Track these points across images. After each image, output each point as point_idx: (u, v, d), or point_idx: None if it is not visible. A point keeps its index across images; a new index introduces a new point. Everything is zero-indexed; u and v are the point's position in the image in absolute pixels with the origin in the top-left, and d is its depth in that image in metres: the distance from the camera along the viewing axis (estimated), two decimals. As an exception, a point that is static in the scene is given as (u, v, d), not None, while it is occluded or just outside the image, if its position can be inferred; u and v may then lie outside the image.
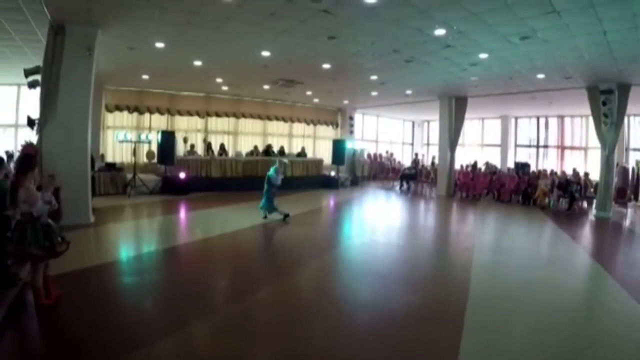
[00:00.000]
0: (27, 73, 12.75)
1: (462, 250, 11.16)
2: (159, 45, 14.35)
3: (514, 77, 17.46)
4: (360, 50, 14.27)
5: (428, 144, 38.09)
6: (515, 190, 21.79)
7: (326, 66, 17.13)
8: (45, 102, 11.98)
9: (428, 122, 38.01)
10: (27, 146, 6.01)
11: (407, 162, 32.87)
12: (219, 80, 21.45)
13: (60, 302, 6.35)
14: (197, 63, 16.85)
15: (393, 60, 15.68)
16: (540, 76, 17.04)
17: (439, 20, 11.14)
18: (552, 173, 22.48)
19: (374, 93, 23.98)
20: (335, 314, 6.59)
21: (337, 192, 24.10)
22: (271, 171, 14.36)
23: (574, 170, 21.20)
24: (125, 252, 10.23)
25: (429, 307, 6.94)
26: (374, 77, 19.28)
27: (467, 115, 23.88)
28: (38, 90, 12.25)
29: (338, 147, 26.70)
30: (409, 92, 23.18)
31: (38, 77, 12.38)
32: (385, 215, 17.59)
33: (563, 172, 22.09)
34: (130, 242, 11.48)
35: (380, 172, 32.44)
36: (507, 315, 6.71)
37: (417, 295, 7.56)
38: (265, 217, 14.28)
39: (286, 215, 14.23)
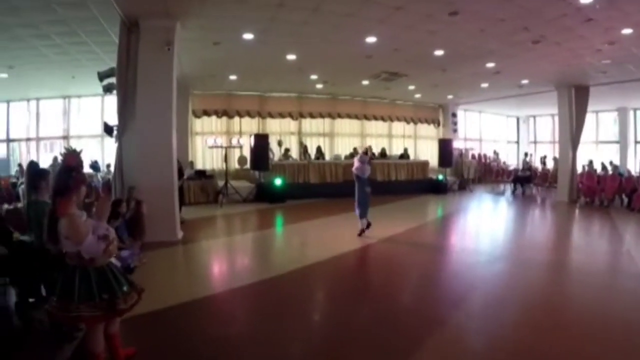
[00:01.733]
0: (102, 76, 11.66)
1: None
2: (247, 36, 12.79)
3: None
4: (484, 29, 12.25)
5: (535, 142, 34.21)
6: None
7: (438, 53, 15.10)
8: (123, 107, 10.84)
9: (534, 117, 34.24)
10: (68, 155, 4.19)
11: (512, 163, 30.71)
12: (313, 77, 19.53)
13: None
14: (291, 57, 15.39)
15: (518, 42, 13.53)
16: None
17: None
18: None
19: (484, 85, 21.41)
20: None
21: (448, 199, 21.41)
22: (355, 164, 11.49)
23: None
24: (218, 284, 8.03)
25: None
26: (490, 65, 16.94)
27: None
28: (114, 94, 11.14)
29: (445, 147, 24.17)
30: (524, 82, 20.48)
31: (113, 80, 11.18)
32: (523, 232, 14.29)
33: None
34: (224, 269, 9.40)
35: (487, 174, 29.41)
36: None
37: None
38: (363, 231, 11.52)
39: (368, 225, 11.49)
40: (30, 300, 5.66)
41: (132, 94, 10.74)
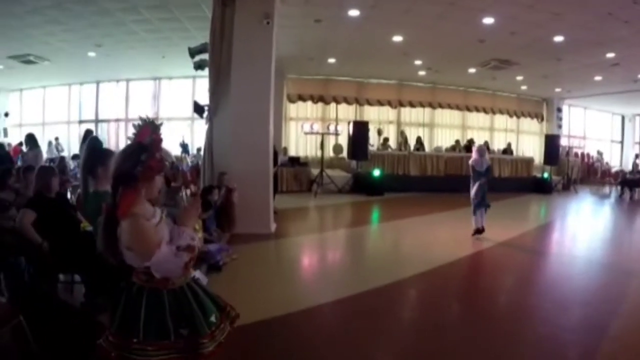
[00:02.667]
0: (193, 52, 10.69)
1: None
2: (353, 13, 11.97)
3: None
4: (613, 12, 11.05)
5: None
6: None
7: (558, 39, 13.83)
8: (216, 85, 9.83)
9: None
10: (142, 127, 2.86)
11: (615, 164, 28.58)
12: (417, 62, 18.20)
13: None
14: (397, 39, 14.34)
15: None
16: None
17: None
18: None
19: (598, 78, 19.69)
20: None
21: (555, 199, 19.42)
22: (473, 155, 10.32)
23: None
24: (317, 292, 6.50)
25: None
26: (609, 55, 15.47)
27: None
28: (206, 71, 10.21)
29: (552, 143, 22.06)
30: None
31: (205, 56, 10.25)
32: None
33: None
34: (323, 273, 7.93)
35: (590, 174, 27.10)
36: None
37: None
38: (479, 231, 10.06)
39: (481, 230, 10.06)
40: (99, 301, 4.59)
41: (226, 71, 9.79)
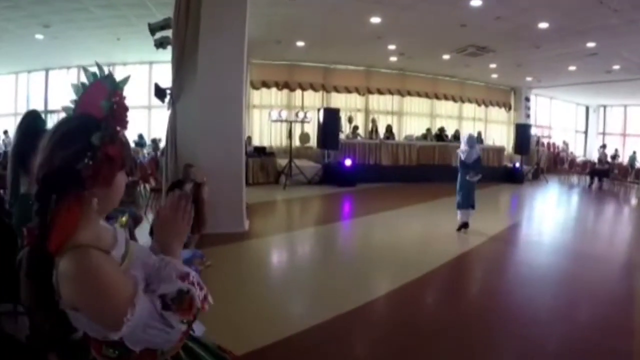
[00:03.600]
0: (153, 29, 9.34)
1: None
2: None
3: None
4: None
5: (604, 134, 31.73)
6: None
7: (543, 25, 13.33)
8: (179, 65, 8.61)
9: (604, 107, 32.02)
10: (94, 86, 1.51)
11: (579, 154, 29.58)
12: (391, 47, 17.28)
13: None
14: (375, 20, 13.38)
15: (633, 20, 11.99)
16: None
17: None
18: None
19: (572, 68, 19.50)
20: None
21: (528, 189, 19.35)
22: (462, 147, 9.73)
23: None
24: (309, 309, 5.59)
25: None
26: (590, 45, 15.21)
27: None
28: (168, 50, 8.97)
29: (523, 132, 22.31)
30: (616, 67, 18.73)
31: (168, 33, 8.95)
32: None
33: None
34: (309, 286, 6.64)
35: (556, 164, 27.46)
36: None
37: None
38: (464, 226, 9.65)
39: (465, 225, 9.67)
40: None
41: (192, 50, 8.59)
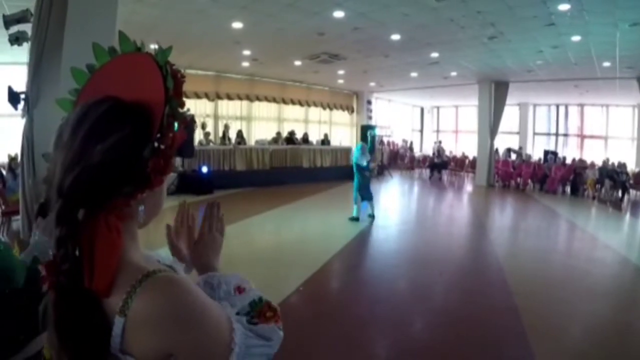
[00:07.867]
0: (8, 21, 7.99)
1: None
2: None
3: (579, 63, 15.75)
4: (455, 18, 11.62)
5: (438, 131, 35.87)
6: (561, 180, 20.48)
7: (395, 37, 13.84)
8: (38, 65, 7.29)
9: (438, 108, 35.84)
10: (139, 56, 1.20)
11: (416, 150, 32.80)
12: (246, 52, 16.73)
13: None
14: (237, 25, 12.79)
15: (476, 36, 13.20)
16: (607, 64, 15.58)
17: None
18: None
19: (414, 74, 20.64)
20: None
21: (377, 184, 19.56)
22: (355, 154, 11.89)
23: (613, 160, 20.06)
24: None
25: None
26: (434, 55, 16.13)
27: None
28: (25, 48, 7.76)
29: (367, 133, 23.29)
30: (453, 74, 20.12)
31: (26, 27, 7.74)
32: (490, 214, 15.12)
33: (612, 163, 20.08)
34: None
35: (396, 160, 30.26)
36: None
37: None
38: (358, 218, 11.60)
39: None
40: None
41: (55, 47, 7.23)
